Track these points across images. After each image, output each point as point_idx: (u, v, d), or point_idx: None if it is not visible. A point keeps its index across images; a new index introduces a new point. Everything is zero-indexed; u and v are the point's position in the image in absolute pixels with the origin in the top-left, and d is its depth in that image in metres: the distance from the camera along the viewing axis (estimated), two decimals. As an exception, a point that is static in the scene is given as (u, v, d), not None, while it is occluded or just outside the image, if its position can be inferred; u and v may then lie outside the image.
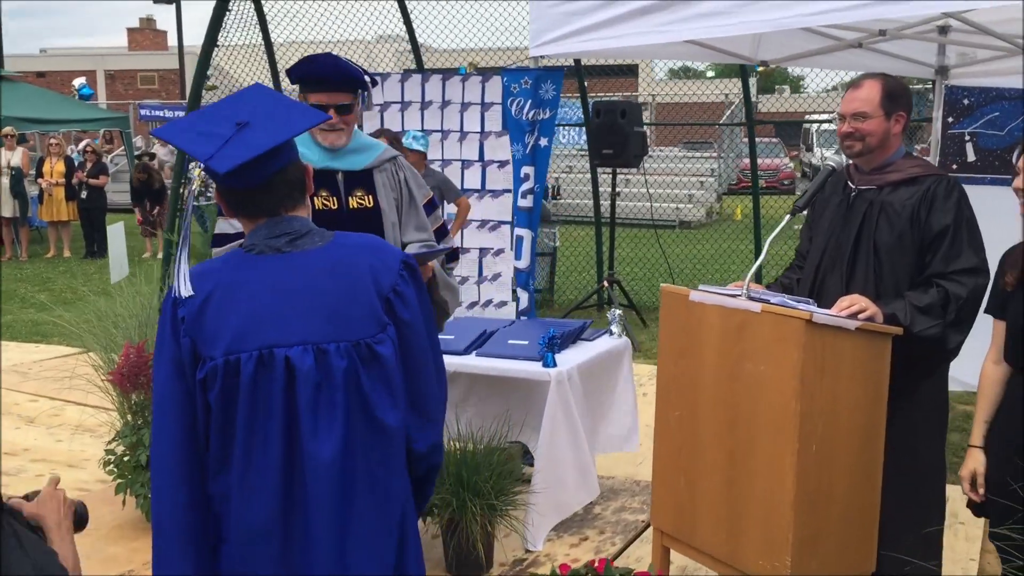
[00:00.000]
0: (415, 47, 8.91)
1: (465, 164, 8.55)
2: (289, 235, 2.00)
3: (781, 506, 3.01)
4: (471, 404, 4.23)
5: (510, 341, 4.31)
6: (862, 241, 3.31)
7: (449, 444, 4.00)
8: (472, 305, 8.88)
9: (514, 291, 5.56)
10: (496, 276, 8.53)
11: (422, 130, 8.28)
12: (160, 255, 13.91)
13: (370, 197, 3.33)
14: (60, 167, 14.17)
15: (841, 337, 3.00)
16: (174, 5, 32.47)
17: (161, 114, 23.83)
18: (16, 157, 14.14)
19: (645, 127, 8.54)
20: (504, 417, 4.08)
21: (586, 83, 9.75)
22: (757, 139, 9.16)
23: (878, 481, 3.14)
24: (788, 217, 3.31)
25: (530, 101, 5.16)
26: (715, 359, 3.23)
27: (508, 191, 8.34)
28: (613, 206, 8.77)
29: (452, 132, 8.48)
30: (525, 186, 5.30)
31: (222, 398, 1.91)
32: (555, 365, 4.08)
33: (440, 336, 4.36)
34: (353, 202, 3.31)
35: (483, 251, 8.60)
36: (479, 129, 8.23)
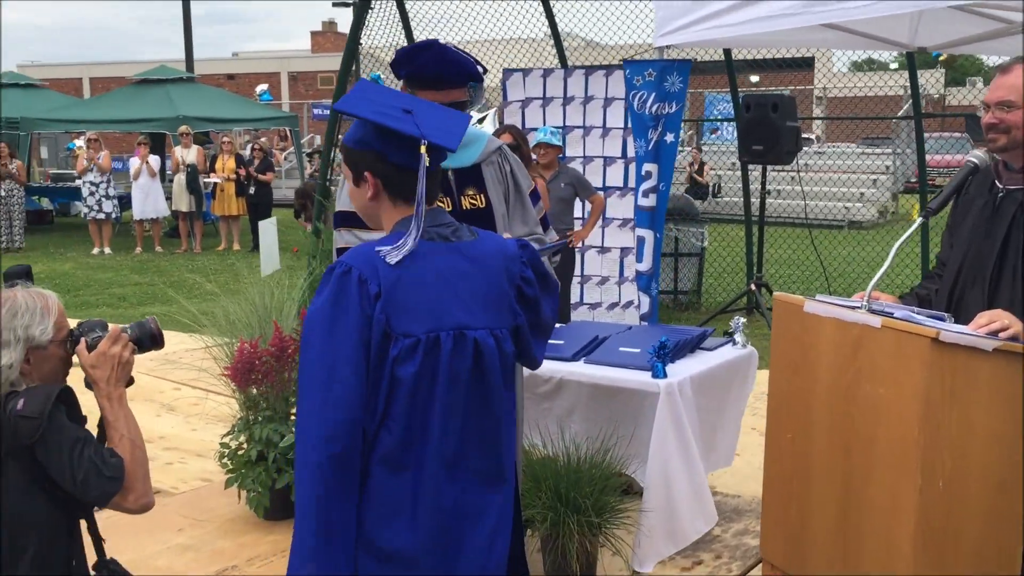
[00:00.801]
0: (558, 44, 8.73)
1: (607, 161, 8.32)
2: (449, 226, 2.15)
3: (901, 546, 2.66)
4: (577, 417, 4.01)
5: (621, 348, 4.08)
6: (1009, 249, 2.89)
7: (551, 454, 3.82)
8: (612, 306, 8.65)
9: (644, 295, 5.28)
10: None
11: (562, 126, 8.12)
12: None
13: (482, 196, 3.12)
14: (231, 164, 14.82)
15: (976, 358, 2.61)
16: (351, 8, 33.69)
17: (320, 112, 24.61)
18: (191, 155, 14.90)
19: (815, 121, 8.01)
20: (612, 430, 3.85)
21: (758, 76, 9.32)
22: (944, 134, 8.48)
23: (1020, 528, 2.73)
24: (920, 220, 2.94)
25: (654, 94, 4.87)
26: (830, 377, 2.90)
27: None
28: (763, 205, 8.32)
29: (594, 128, 8.27)
30: (647, 184, 5.02)
31: (419, 375, 2.00)
32: (665, 376, 3.81)
33: (550, 341, 4.21)
34: (466, 202, 3.09)
35: (624, 250, 8.35)
36: (622, 125, 7.99)
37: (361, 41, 7.69)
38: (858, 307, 2.83)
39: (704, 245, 9.85)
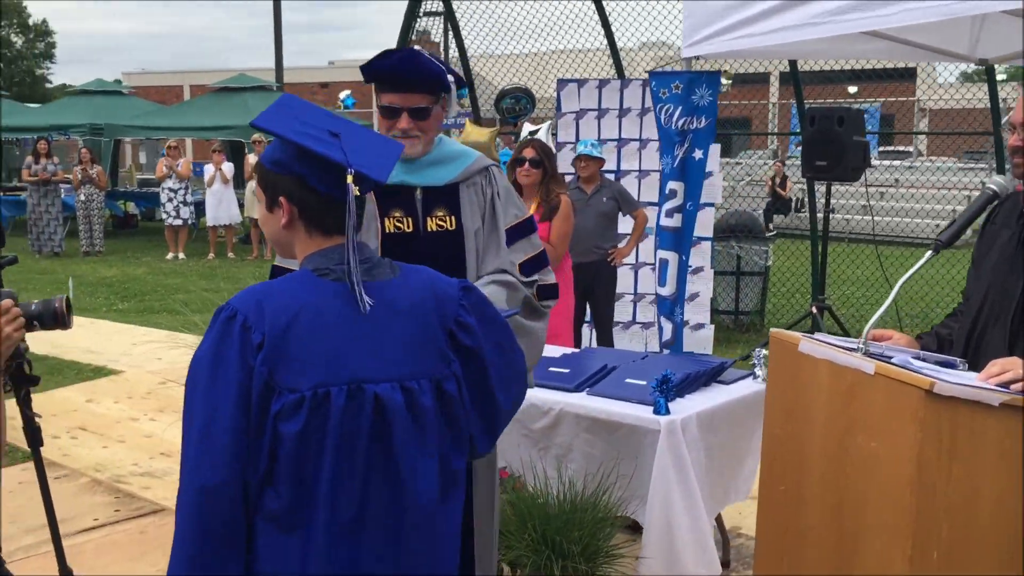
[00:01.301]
0: (615, 54, 8.47)
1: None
2: (363, 263, 1.89)
3: (892, 624, 2.35)
4: (576, 455, 3.74)
5: (627, 380, 3.80)
6: (1034, 287, 2.54)
7: (534, 490, 3.58)
8: (666, 326, 8.34)
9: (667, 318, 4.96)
10: (694, 296, 7.91)
11: (618, 138, 7.85)
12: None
13: (452, 218, 2.86)
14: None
15: (981, 414, 2.28)
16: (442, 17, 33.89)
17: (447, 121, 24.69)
18: (264, 163, 15.05)
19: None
20: (611, 468, 3.58)
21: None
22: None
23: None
24: (928, 254, 2.60)
25: (681, 108, 4.56)
26: (824, 426, 2.60)
27: (710, 204, 7.72)
28: (826, 222, 7.90)
29: (651, 141, 7.97)
30: (671, 203, 4.71)
31: (303, 434, 1.78)
32: (667, 412, 3.52)
33: (555, 369, 3.94)
34: (432, 223, 2.84)
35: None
36: (683, 138, 7.69)
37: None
38: (855, 349, 2.52)
39: (768, 264, 9.43)
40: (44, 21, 51.78)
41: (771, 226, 18.29)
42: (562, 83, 8.19)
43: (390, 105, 2.72)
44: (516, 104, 8.24)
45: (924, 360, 2.53)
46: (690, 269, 8.12)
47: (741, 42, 3.85)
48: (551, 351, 4.39)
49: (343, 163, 1.83)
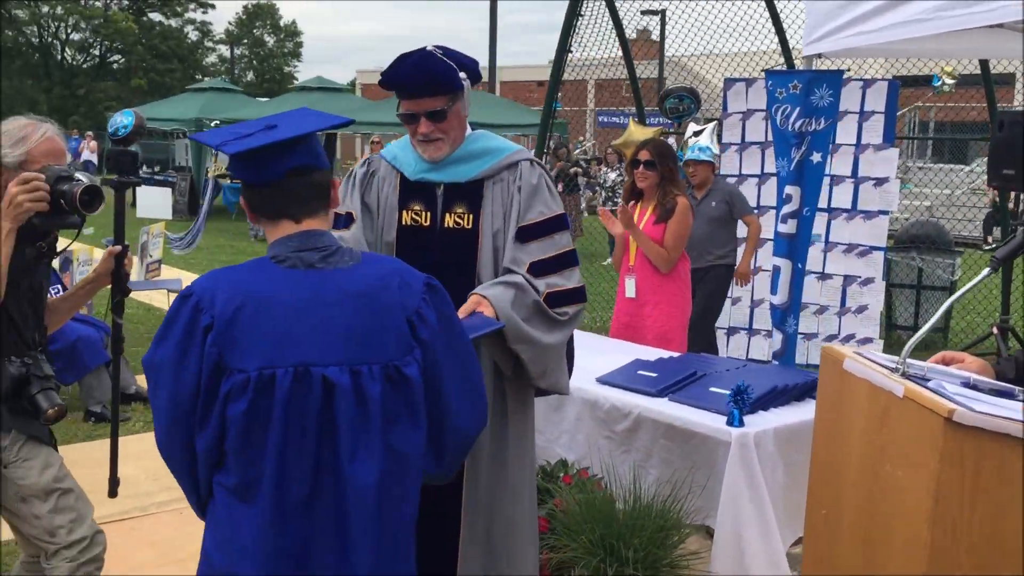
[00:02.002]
0: (786, 52, 8.13)
1: (835, 180, 7.61)
2: (321, 251, 1.98)
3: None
4: (655, 460, 3.66)
5: (712, 388, 3.68)
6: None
7: (606, 492, 3.53)
8: (830, 338, 7.90)
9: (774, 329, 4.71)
10: (862, 309, 7.49)
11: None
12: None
13: (470, 216, 2.85)
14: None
15: (1010, 446, 2.07)
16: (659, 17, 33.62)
17: (617, 120, 24.65)
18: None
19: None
20: (686, 477, 3.48)
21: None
22: None
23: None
24: (985, 272, 2.37)
25: (798, 109, 4.31)
26: (860, 451, 2.43)
27: (884, 212, 7.27)
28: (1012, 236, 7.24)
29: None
30: (787, 209, 4.46)
31: (250, 414, 1.87)
32: (740, 424, 3.38)
33: (643, 372, 3.88)
34: (449, 220, 2.86)
35: (848, 279, 7.60)
36: (854, 141, 7.27)
37: (571, 49, 7.58)
38: (895, 369, 2.34)
39: (955, 278, 8.77)
40: (293, 22, 55.67)
41: (990, 239, 16.93)
42: (729, 82, 7.94)
43: (407, 112, 2.78)
44: (679, 104, 8.08)
45: (975, 387, 2.31)
46: (859, 280, 7.67)
47: (853, 40, 3.60)
48: (648, 353, 4.31)
49: (211, 144, 2.02)
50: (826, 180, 7.73)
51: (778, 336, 4.69)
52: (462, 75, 2.74)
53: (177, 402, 1.89)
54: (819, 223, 6.65)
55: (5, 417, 2.72)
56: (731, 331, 6.75)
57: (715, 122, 8.30)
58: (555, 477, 3.77)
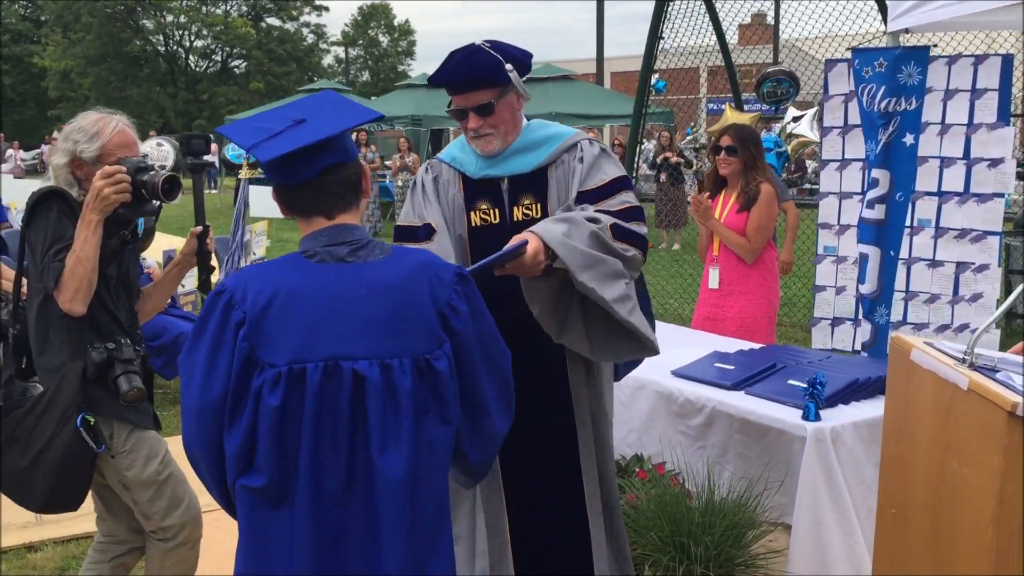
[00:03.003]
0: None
1: (945, 162, 7.25)
2: (350, 244, 1.98)
3: None
4: (731, 456, 3.54)
5: (790, 381, 3.54)
6: None
7: (680, 488, 3.45)
8: (943, 328, 7.53)
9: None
10: (976, 297, 7.12)
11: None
12: (676, 246, 14.26)
13: (538, 205, 2.81)
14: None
15: (1085, 446, 1.92)
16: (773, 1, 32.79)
17: (715, 107, 24.15)
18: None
19: None
20: (762, 474, 3.37)
21: None
22: None
23: None
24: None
25: (884, 88, 4.07)
26: (926, 446, 2.31)
27: (999, 196, 6.89)
28: None
29: (931, 124, 7.25)
30: (874, 193, 4.21)
31: (283, 408, 1.88)
32: (817, 419, 3.24)
33: (720, 365, 3.78)
34: (518, 212, 2.81)
35: (961, 265, 7.23)
36: (966, 121, 6.91)
37: (663, 35, 7.43)
38: (962, 359, 2.20)
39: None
40: (407, 21, 56.52)
41: None
42: (830, 63, 7.62)
43: (456, 108, 2.76)
44: (777, 88, 7.83)
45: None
46: (972, 267, 7.28)
47: (941, 13, 3.39)
48: (728, 345, 4.19)
49: (244, 147, 1.99)
50: (935, 163, 7.39)
51: (867, 326, 4.49)
52: (509, 67, 2.69)
53: (207, 399, 1.90)
54: (928, 208, 6.33)
55: (114, 407, 2.83)
56: (815, 322, 6.49)
57: (814, 109, 8.01)
58: (630, 472, 3.71)
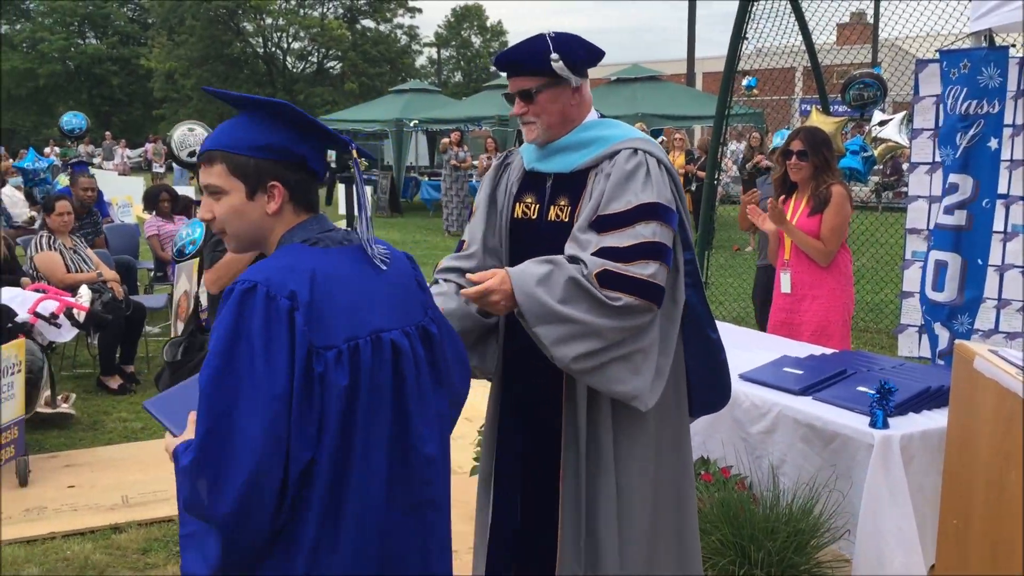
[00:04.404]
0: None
1: (1014, 165, 7.00)
2: (337, 231, 2.03)
3: None
4: (790, 466, 3.49)
5: (859, 387, 3.48)
6: None
7: (741, 493, 3.42)
8: (1011, 336, 7.27)
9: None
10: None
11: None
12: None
13: (569, 209, 2.72)
14: (680, 159, 15.05)
15: None
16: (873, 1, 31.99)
17: (807, 108, 23.68)
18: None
19: None
20: (826, 482, 3.31)
21: None
22: None
23: None
24: None
25: (966, 90, 3.92)
26: (987, 457, 2.25)
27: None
28: None
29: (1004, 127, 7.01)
30: (952, 199, 4.05)
31: (350, 388, 1.86)
32: (885, 426, 3.18)
33: (789, 370, 3.74)
34: (553, 212, 2.75)
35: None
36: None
37: (747, 36, 7.34)
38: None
39: None
40: (500, 22, 56.87)
41: None
42: (921, 64, 7.42)
43: (507, 92, 2.76)
44: (864, 91, 7.64)
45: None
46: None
47: (1017, 12, 3.26)
48: (799, 350, 4.13)
49: (346, 141, 1.99)
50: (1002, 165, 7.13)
51: (944, 334, 4.36)
52: (555, 58, 2.62)
53: (275, 394, 1.77)
54: (1016, 213, 6.12)
55: None
56: (901, 328, 6.31)
57: (904, 114, 7.81)
58: (694, 475, 3.69)
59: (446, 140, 17.75)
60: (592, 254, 2.53)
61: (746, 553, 3.22)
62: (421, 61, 55.87)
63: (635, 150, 2.66)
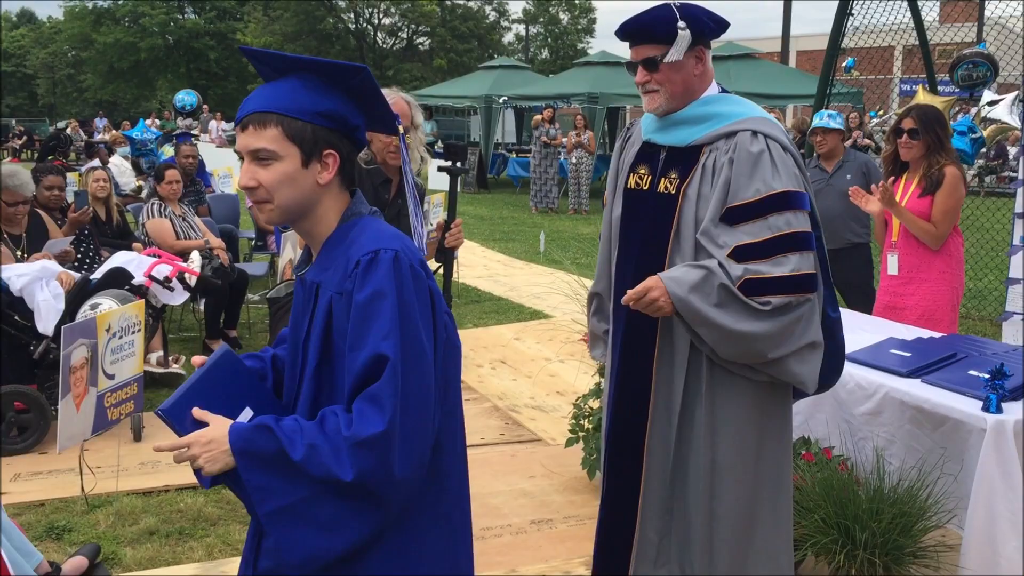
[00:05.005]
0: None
1: None
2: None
3: None
4: (898, 447, 3.45)
5: (971, 371, 3.42)
6: None
7: (846, 473, 3.40)
8: None
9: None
10: None
11: None
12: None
13: (678, 182, 2.71)
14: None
15: None
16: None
17: (908, 88, 22.94)
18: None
19: None
20: (932, 466, 3.27)
21: None
22: None
23: None
24: None
25: None
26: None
27: None
28: None
29: None
30: None
31: (447, 344, 1.95)
32: (998, 411, 3.12)
33: (896, 352, 3.71)
34: (662, 184, 2.75)
35: None
36: None
37: (852, 11, 7.17)
38: None
39: None
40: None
41: None
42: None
43: (629, 60, 2.76)
44: (973, 71, 7.41)
45: None
46: None
47: None
48: (905, 332, 4.07)
49: (396, 121, 2.00)
50: None
51: (1060, 321, 4.24)
52: (682, 26, 2.62)
53: (434, 369, 1.86)
54: None
55: None
56: (1006, 316, 6.13)
57: (1016, 92, 7.58)
58: (795, 454, 3.68)
59: (538, 116, 17.76)
60: (729, 255, 2.58)
61: (850, 533, 3.21)
62: (508, 38, 55.82)
63: (755, 132, 2.63)
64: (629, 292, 2.61)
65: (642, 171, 2.84)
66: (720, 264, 2.58)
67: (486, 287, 10.08)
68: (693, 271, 2.59)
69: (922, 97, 7.77)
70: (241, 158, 1.90)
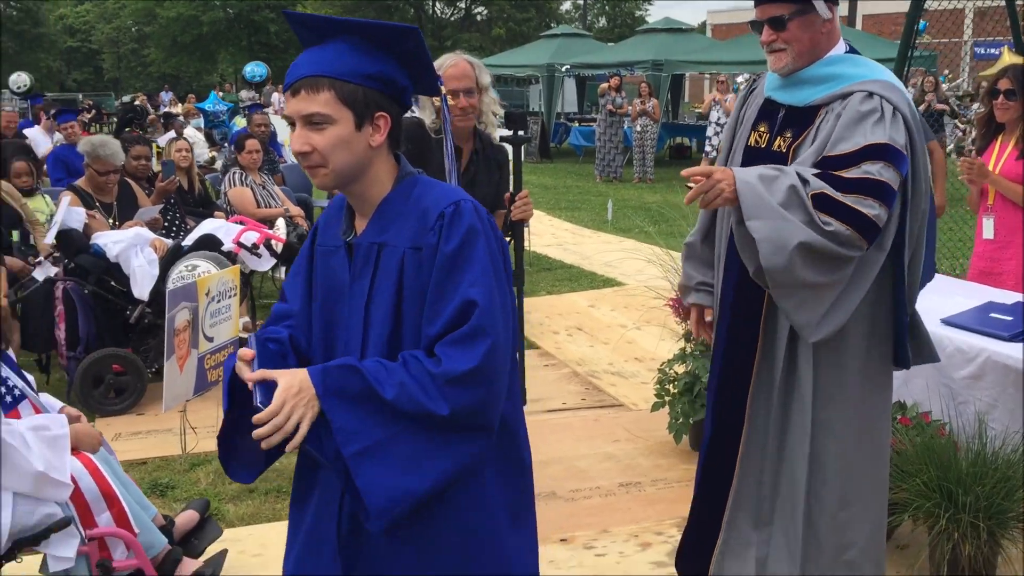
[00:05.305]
0: None
1: None
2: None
3: None
4: (1001, 411, 3.42)
5: (1078, 335, 3.36)
6: None
7: (943, 439, 3.38)
8: None
9: None
10: None
11: None
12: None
13: (791, 142, 2.69)
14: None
15: None
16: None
17: (995, 52, 22.32)
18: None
19: None
20: (1038, 427, 3.24)
21: None
22: None
23: None
24: None
25: None
26: None
27: None
28: None
29: None
30: None
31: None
32: (1109, 375, 3.08)
33: (997, 315, 3.66)
34: (777, 142, 2.74)
35: None
36: None
37: (937, -28, 6.96)
38: None
39: None
40: (644, -33, 55.70)
41: None
42: None
43: (754, 20, 2.72)
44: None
45: None
46: None
47: None
48: (1003, 296, 4.00)
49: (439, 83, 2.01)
50: None
51: None
52: None
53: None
54: None
55: None
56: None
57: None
58: (891, 419, 3.66)
59: (604, 85, 17.63)
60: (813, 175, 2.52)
61: (952, 497, 3.19)
62: (566, 7, 55.32)
63: (870, 94, 2.58)
64: (693, 170, 2.52)
65: (762, 128, 2.83)
66: (797, 173, 2.52)
67: (556, 255, 10.10)
68: (768, 168, 2.55)
69: (1008, 58, 7.55)
70: (291, 124, 1.89)
